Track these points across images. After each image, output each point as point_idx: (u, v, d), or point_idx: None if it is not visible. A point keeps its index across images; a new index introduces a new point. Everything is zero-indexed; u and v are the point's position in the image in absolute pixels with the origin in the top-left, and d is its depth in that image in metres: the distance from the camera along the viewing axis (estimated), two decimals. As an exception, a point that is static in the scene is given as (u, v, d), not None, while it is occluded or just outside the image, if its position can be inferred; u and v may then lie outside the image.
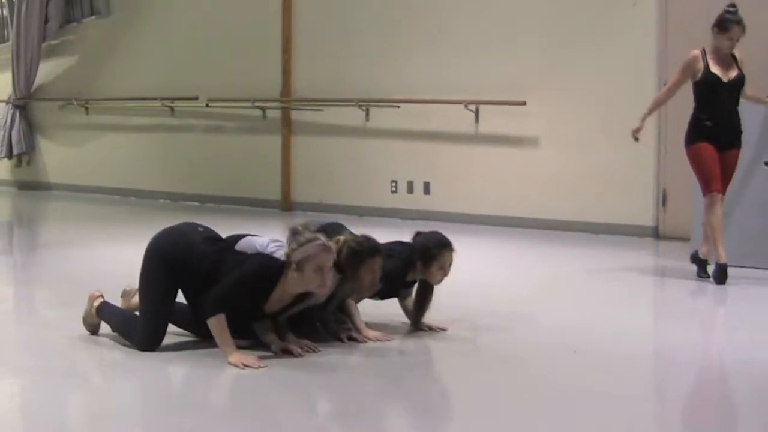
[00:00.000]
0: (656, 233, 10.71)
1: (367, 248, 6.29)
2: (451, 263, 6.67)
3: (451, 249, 6.66)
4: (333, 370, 6.01)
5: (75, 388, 5.60)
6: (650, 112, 8.63)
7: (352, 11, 12.80)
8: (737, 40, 8.27)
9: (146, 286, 5.96)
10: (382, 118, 12.53)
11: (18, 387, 5.52)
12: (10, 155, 16.29)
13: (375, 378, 5.95)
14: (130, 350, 6.03)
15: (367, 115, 12.62)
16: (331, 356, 6.25)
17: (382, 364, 6.29)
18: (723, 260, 8.18)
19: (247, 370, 5.54)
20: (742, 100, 8.48)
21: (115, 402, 5.38)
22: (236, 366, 5.58)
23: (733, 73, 8.33)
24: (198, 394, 5.55)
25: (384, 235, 10.82)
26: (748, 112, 8.58)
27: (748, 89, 8.53)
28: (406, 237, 10.53)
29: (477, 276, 8.93)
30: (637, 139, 8.71)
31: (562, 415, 5.05)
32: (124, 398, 5.47)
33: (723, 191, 8.36)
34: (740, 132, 8.44)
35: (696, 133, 8.36)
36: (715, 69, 8.26)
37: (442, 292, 8.20)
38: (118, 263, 9.09)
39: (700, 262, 8.44)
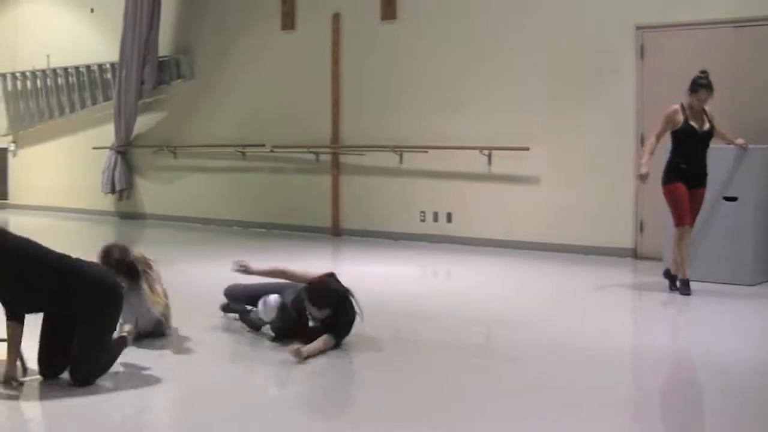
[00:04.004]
0: (635, 254, 10.55)
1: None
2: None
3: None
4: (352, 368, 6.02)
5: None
6: (648, 158, 8.36)
7: (389, 76, 12.66)
8: (705, 100, 8.22)
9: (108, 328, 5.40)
10: (413, 160, 12.41)
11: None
12: (113, 191, 15.93)
13: (396, 374, 5.85)
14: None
15: (401, 158, 12.49)
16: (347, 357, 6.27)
17: (401, 361, 6.21)
18: (686, 276, 8.23)
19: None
20: (712, 144, 8.37)
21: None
22: None
23: (706, 126, 8.29)
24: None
25: (414, 254, 11.04)
26: (716, 156, 8.48)
27: (720, 128, 8.44)
28: (433, 257, 10.71)
29: (488, 289, 9.01)
30: (644, 182, 8.49)
31: (558, 403, 5.05)
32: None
33: (691, 223, 8.34)
34: (706, 174, 8.37)
35: (672, 174, 8.31)
36: (692, 121, 8.22)
37: (460, 299, 8.23)
38: (200, 278, 9.20)
39: (671, 278, 8.42)
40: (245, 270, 6.51)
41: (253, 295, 6.49)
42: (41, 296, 5.09)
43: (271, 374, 5.86)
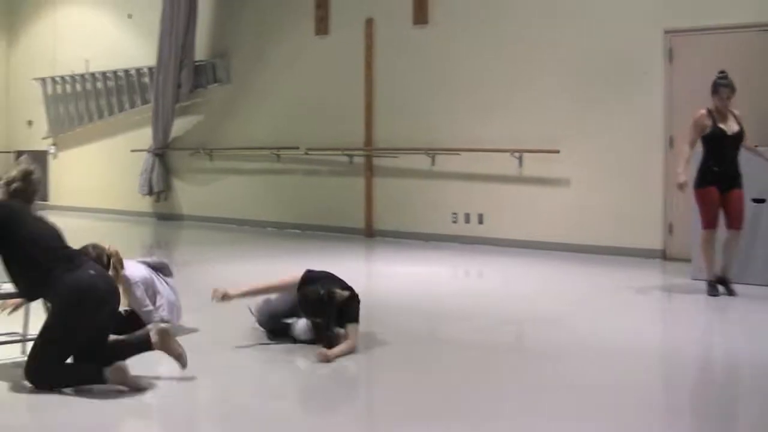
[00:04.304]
0: (664, 255, 10.59)
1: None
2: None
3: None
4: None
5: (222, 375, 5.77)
6: (684, 167, 8.38)
7: (421, 80, 12.73)
8: (728, 99, 8.24)
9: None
10: (445, 163, 12.48)
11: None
12: (150, 192, 16.06)
13: (428, 373, 5.87)
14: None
15: (433, 160, 12.55)
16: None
17: (433, 360, 6.24)
18: (714, 278, 8.31)
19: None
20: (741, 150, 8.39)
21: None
22: None
23: (735, 128, 8.31)
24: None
25: (446, 255, 11.04)
26: (745, 160, 8.47)
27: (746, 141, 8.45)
28: (464, 257, 10.67)
29: (519, 289, 9.05)
30: (683, 191, 8.47)
31: (590, 402, 5.08)
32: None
33: (738, 227, 8.34)
34: (739, 175, 8.37)
35: (704, 178, 8.36)
36: (720, 124, 8.26)
37: (491, 299, 8.26)
38: (235, 276, 9.05)
39: (721, 282, 8.38)
40: (225, 297, 6.35)
41: (280, 313, 6.57)
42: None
43: (301, 374, 5.91)
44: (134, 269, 6.62)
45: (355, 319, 6.23)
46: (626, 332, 6.93)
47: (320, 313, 6.12)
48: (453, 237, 12.38)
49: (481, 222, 12.24)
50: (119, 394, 5.12)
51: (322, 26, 13.88)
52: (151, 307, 6.55)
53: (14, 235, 5.18)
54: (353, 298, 6.28)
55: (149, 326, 5.58)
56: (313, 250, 11.94)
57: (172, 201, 16.26)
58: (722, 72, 8.40)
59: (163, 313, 6.61)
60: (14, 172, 5.51)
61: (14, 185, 5.46)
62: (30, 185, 5.51)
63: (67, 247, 5.37)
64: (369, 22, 13.27)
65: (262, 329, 6.64)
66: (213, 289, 6.39)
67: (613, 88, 11.04)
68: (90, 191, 17.37)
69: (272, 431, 4.67)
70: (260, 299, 6.72)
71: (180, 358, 5.37)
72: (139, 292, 6.51)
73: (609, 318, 7.53)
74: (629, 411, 4.95)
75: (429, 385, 5.53)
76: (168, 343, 5.38)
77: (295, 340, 6.42)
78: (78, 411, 4.90)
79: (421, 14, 12.72)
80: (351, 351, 6.09)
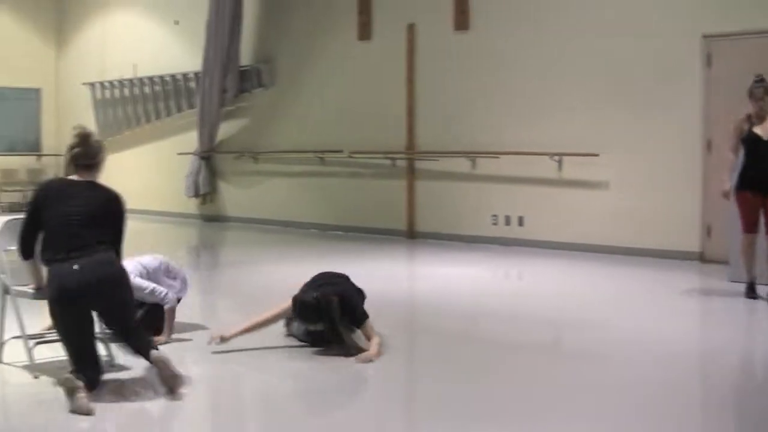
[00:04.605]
0: (702, 257, 10.60)
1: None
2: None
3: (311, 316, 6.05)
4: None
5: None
6: (728, 174, 8.46)
7: (462, 84, 12.80)
8: (761, 100, 8.19)
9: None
10: (485, 166, 12.54)
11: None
12: (196, 194, 16.32)
13: (468, 373, 5.88)
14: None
15: (474, 164, 12.65)
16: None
17: (473, 360, 6.27)
18: (751, 280, 8.36)
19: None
20: None
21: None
22: None
23: None
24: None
25: (486, 257, 11.04)
26: None
27: None
28: (504, 259, 10.65)
29: (558, 290, 9.08)
30: (727, 198, 8.52)
31: (629, 402, 5.11)
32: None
33: None
34: None
35: (741, 182, 8.40)
36: (757, 129, 8.26)
37: (531, 300, 8.29)
38: (279, 276, 9.22)
39: (749, 286, 8.41)
40: (222, 340, 6.14)
41: None
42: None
43: (342, 373, 5.88)
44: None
45: (363, 316, 6.19)
46: (664, 334, 6.96)
47: (321, 317, 6.00)
48: (493, 239, 12.47)
49: (521, 224, 12.32)
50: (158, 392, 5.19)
51: (364, 32, 14.04)
52: (152, 286, 6.36)
53: (42, 219, 5.23)
54: (349, 299, 6.19)
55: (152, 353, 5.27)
56: (355, 252, 12.06)
57: (217, 203, 16.48)
58: (758, 76, 8.42)
59: (170, 294, 6.47)
60: (73, 138, 5.44)
61: (74, 150, 5.41)
62: (90, 148, 5.43)
63: (74, 235, 5.17)
64: (411, 28, 13.41)
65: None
66: (210, 336, 6.20)
67: (652, 93, 11.08)
68: (137, 193, 17.00)
69: (315, 428, 4.74)
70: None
71: (172, 389, 5.13)
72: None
73: (647, 320, 7.54)
74: (667, 412, 4.96)
75: (467, 384, 5.53)
76: (163, 372, 5.16)
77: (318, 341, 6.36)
78: (117, 409, 5.02)
79: (462, 20, 12.85)
80: (380, 344, 6.10)
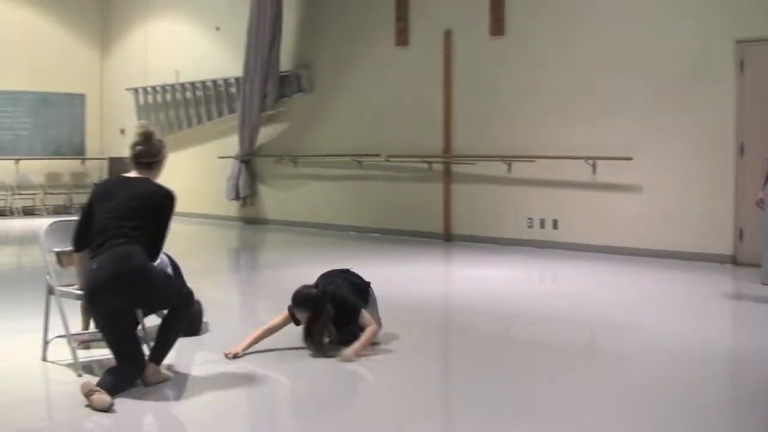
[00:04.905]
0: (734, 260, 10.63)
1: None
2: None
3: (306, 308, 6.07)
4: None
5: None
6: (764, 183, 8.58)
7: (498, 89, 12.92)
8: None
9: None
10: (520, 170, 12.63)
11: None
12: (237, 197, 16.49)
13: (502, 373, 5.90)
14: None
15: (509, 167, 12.73)
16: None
17: (507, 360, 6.34)
18: None
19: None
20: None
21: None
22: None
23: None
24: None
25: (521, 259, 10.92)
26: None
27: None
28: (539, 261, 10.61)
29: (592, 292, 9.10)
30: (761, 207, 8.58)
31: (662, 403, 5.11)
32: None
33: None
34: None
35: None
36: None
37: (565, 302, 8.32)
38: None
39: None
40: (236, 356, 6.10)
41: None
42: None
43: (378, 373, 5.91)
44: None
45: (355, 307, 6.23)
46: (696, 336, 6.98)
47: (301, 305, 6.07)
48: (528, 241, 12.59)
49: (555, 227, 12.42)
50: (194, 394, 5.31)
51: (402, 38, 14.23)
52: None
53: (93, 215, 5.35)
54: (341, 298, 6.23)
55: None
56: (392, 254, 12.21)
57: (257, 206, 16.71)
58: None
59: None
60: (136, 136, 5.50)
61: (136, 148, 5.48)
62: (151, 147, 5.50)
63: (106, 229, 5.24)
64: (447, 34, 13.57)
65: None
66: (224, 354, 6.13)
67: (685, 97, 11.15)
68: (179, 196, 16.64)
69: (358, 429, 4.77)
70: None
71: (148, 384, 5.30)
72: None
73: (680, 322, 7.59)
74: (701, 413, 5.00)
75: (503, 384, 5.57)
76: (149, 379, 5.31)
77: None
78: (153, 407, 5.14)
79: (497, 26, 13.00)
80: (373, 336, 6.13)
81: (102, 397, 4.83)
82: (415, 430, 4.73)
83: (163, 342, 5.42)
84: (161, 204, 5.41)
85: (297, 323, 6.19)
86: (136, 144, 5.49)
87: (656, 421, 4.83)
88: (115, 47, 20.20)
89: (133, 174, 5.52)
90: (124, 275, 5.12)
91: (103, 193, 5.42)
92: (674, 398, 5.25)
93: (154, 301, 5.46)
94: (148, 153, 5.51)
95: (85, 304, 5.29)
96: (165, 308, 5.54)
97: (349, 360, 5.91)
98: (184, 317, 5.52)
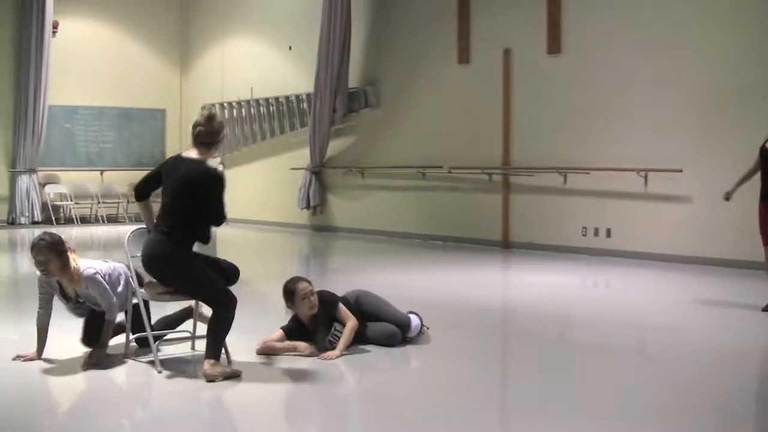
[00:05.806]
0: None
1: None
2: (309, 291, 6.14)
3: (302, 280, 6.20)
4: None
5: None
6: (741, 181, 8.62)
7: (554, 104, 13.19)
8: None
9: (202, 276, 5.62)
10: (576, 181, 12.89)
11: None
12: (308, 206, 16.87)
13: (555, 373, 6.02)
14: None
15: (565, 179, 13.00)
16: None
17: (560, 361, 6.44)
18: None
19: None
20: None
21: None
22: None
23: None
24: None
25: (576, 266, 10.91)
26: None
27: None
28: (593, 268, 10.45)
29: (644, 298, 9.30)
30: (726, 200, 8.73)
31: (707, 404, 5.19)
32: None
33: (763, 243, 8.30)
34: None
35: (761, 195, 8.61)
36: None
37: (617, 307, 8.43)
38: (383, 281, 9.35)
39: None
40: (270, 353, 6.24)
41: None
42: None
43: (433, 371, 6.03)
44: (93, 263, 6.05)
45: (332, 301, 6.33)
46: (743, 341, 7.00)
47: (287, 297, 6.19)
48: (583, 249, 12.85)
49: (609, 235, 12.64)
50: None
51: (464, 56, 14.62)
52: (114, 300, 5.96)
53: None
54: (321, 296, 6.33)
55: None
56: (454, 260, 12.53)
57: (327, 214, 17.17)
58: None
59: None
60: (199, 117, 5.61)
61: (198, 129, 5.58)
62: (212, 129, 5.58)
63: (163, 206, 5.61)
64: (507, 52, 13.91)
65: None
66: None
67: (733, 112, 11.33)
68: (253, 205, 18.25)
69: (425, 428, 4.81)
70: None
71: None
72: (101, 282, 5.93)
73: (727, 328, 7.62)
74: (742, 413, 5.09)
75: (558, 385, 5.63)
76: (207, 374, 5.57)
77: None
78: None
79: (554, 45, 13.35)
80: (354, 330, 6.19)
81: (215, 370, 5.39)
82: (473, 425, 4.78)
83: (210, 338, 5.60)
84: (209, 183, 5.56)
85: (290, 336, 6.28)
86: (198, 124, 5.64)
87: (699, 420, 4.91)
88: (194, 65, 20.76)
89: (192, 154, 5.67)
90: (155, 259, 5.56)
91: (168, 167, 5.68)
92: (719, 399, 5.32)
93: (180, 288, 5.71)
94: (208, 133, 5.63)
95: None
96: (195, 298, 5.90)
97: (330, 358, 6.01)
98: (222, 317, 5.60)
